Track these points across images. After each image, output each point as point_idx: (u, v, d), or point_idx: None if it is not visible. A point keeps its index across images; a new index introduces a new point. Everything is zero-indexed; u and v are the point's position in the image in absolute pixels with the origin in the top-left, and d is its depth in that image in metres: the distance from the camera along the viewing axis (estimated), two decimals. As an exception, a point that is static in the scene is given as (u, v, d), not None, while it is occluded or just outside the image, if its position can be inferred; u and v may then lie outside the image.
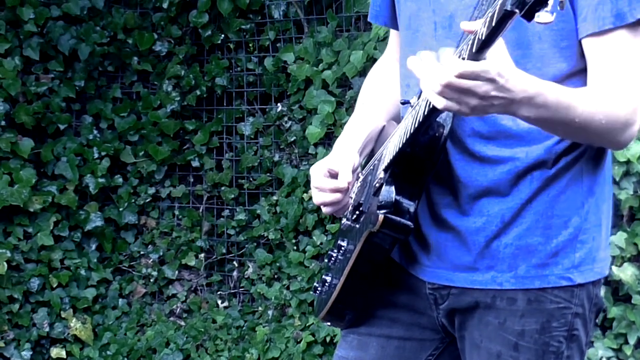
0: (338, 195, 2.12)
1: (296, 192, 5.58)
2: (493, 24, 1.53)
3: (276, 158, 5.76)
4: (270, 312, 5.57)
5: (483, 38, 1.57)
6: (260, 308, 5.66)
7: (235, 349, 5.45)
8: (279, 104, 5.77)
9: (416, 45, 2.04)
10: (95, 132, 5.79)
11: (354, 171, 2.14)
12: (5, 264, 5.34)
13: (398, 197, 1.96)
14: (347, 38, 5.37)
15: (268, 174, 5.80)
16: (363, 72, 5.20)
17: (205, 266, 5.89)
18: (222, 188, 5.89)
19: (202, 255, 5.88)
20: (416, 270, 2.12)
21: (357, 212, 2.13)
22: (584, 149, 2.01)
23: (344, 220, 2.23)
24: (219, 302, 5.82)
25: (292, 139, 5.70)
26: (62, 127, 5.70)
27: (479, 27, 1.59)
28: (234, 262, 5.88)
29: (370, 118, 2.25)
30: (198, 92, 5.83)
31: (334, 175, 2.14)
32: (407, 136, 1.91)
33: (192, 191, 5.99)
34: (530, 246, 2.00)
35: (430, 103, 1.77)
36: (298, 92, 5.60)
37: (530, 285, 2.00)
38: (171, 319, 5.78)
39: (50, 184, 5.61)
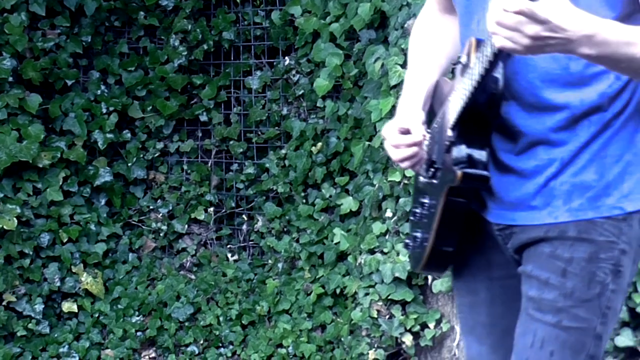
0: (415, 149, 2.26)
1: (305, 145, 5.58)
2: None
3: (284, 111, 5.76)
4: (280, 265, 5.59)
5: None
6: (270, 261, 5.68)
7: (245, 301, 5.48)
8: (286, 58, 5.76)
9: (472, 7, 2.16)
10: (102, 87, 5.79)
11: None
12: (15, 219, 5.35)
13: (470, 151, 2.10)
14: (354, -10, 5.34)
15: (276, 128, 5.80)
16: (370, 25, 5.18)
17: (214, 220, 5.91)
18: (231, 142, 5.89)
19: (212, 209, 5.89)
20: (485, 214, 2.23)
21: (433, 169, 2.27)
22: (635, 89, 2.09)
23: (420, 178, 2.37)
24: (229, 255, 5.84)
25: (300, 92, 5.69)
26: (69, 82, 5.69)
27: None
28: (243, 216, 5.90)
29: (425, 75, 2.38)
30: (205, 47, 5.81)
31: (404, 133, 2.27)
32: (468, 95, 2.02)
33: (201, 145, 5.99)
34: (585, 182, 2.09)
35: (484, 60, 1.89)
36: (305, 45, 5.59)
37: (583, 216, 2.09)
38: (181, 272, 5.81)
39: (58, 140, 5.61)
